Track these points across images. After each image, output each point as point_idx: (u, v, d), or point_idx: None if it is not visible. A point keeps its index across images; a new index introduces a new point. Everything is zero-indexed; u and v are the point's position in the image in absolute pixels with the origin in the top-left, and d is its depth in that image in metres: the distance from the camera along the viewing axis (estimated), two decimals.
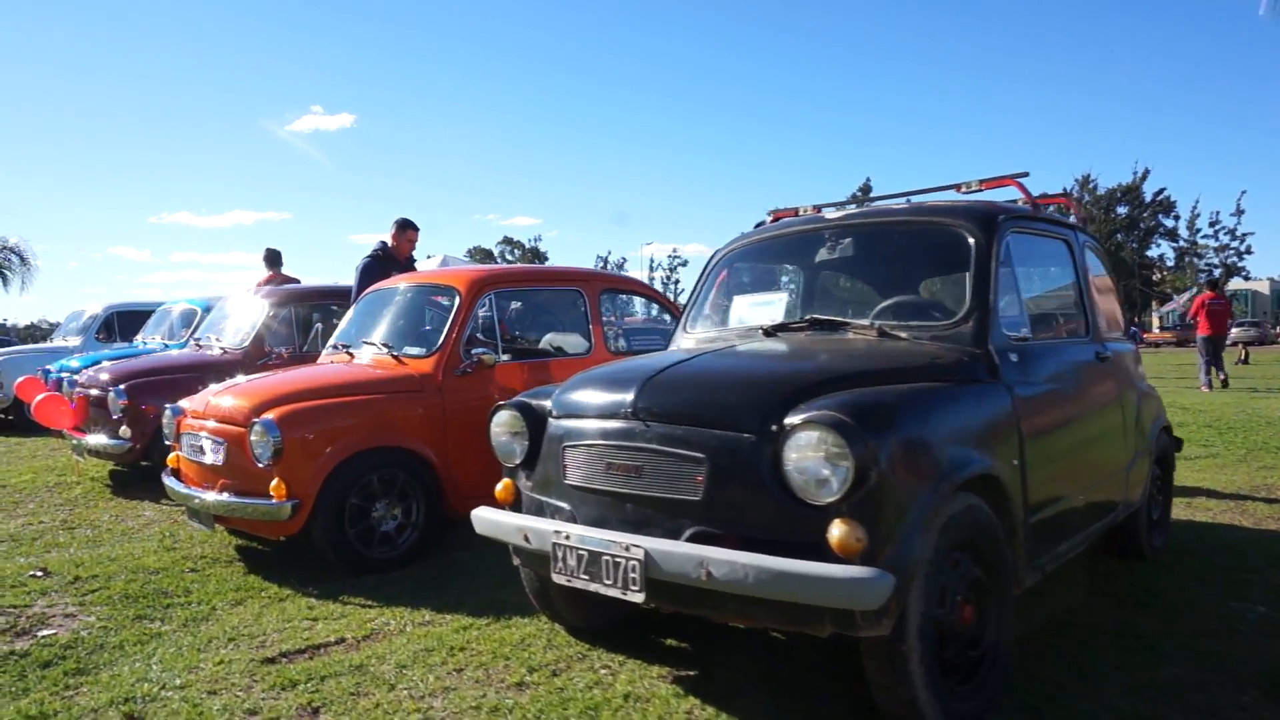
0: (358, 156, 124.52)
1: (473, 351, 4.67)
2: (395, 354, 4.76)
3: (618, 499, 2.56)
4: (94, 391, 6.67)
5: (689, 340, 3.64)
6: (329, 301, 7.69)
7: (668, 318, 6.29)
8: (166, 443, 4.79)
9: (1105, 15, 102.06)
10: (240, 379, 4.80)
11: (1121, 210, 57.14)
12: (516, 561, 3.06)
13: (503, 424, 3.04)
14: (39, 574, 4.18)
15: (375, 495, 4.26)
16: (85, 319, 11.07)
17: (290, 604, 3.74)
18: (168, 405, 4.81)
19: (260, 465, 4.00)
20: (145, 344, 9.44)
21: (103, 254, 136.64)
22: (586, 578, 2.50)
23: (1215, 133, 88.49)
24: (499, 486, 3.07)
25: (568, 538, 2.55)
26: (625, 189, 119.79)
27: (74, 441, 6.65)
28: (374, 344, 4.95)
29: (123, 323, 10.99)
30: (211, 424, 4.36)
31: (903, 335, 2.92)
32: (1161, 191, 56.61)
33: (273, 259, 8.87)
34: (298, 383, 4.51)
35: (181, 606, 3.73)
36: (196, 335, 7.44)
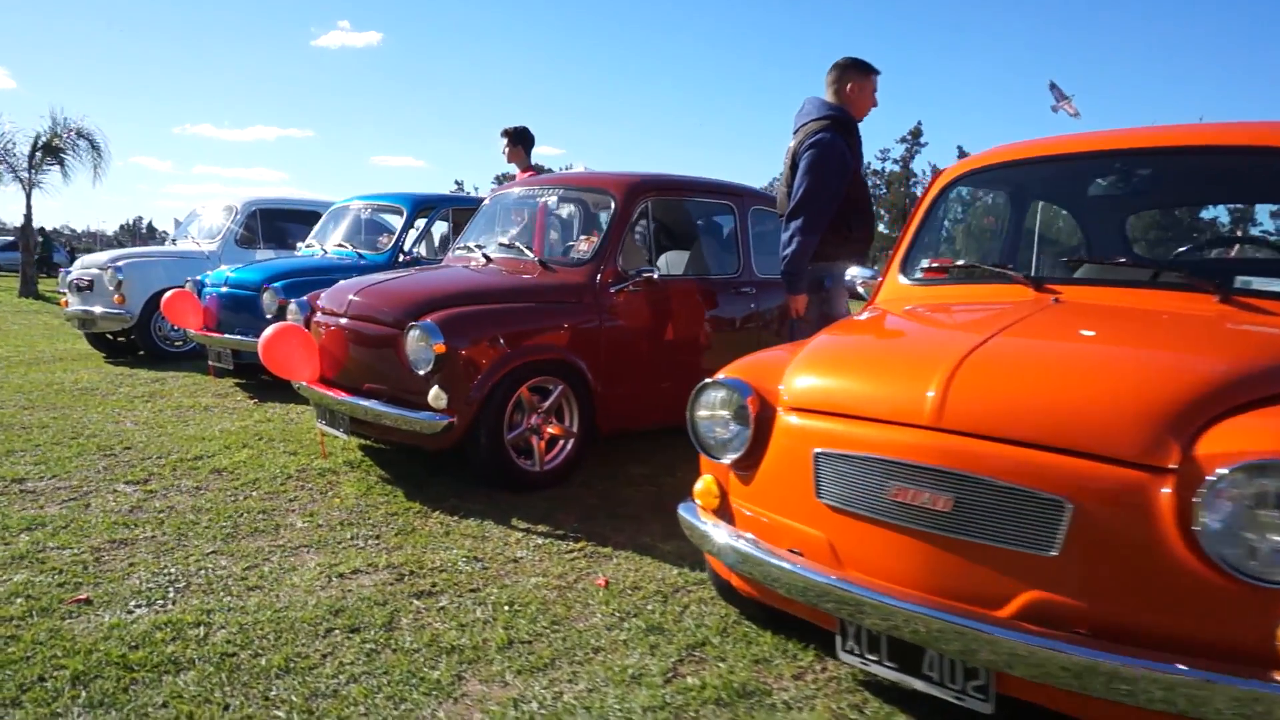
0: (383, 77, 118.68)
1: None
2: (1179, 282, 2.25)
3: None
4: (356, 325, 4.15)
5: None
6: (698, 197, 5.08)
7: None
8: (745, 445, 2.28)
9: None
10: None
11: None
12: None
13: None
14: None
15: None
16: (218, 221, 8.40)
17: None
18: (725, 379, 2.29)
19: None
20: (324, 252, 6.91)
21: (125, 163, 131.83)
22: None
23: None
24: None
25: None
26: (643, 124, 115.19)
27: (329, 402, 4.14)
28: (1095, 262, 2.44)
29: (265, 225, 8.37)
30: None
31: None
32: None
33: (520, 138, 6.24)
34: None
35: None
36: (477, 243, 4.89)
